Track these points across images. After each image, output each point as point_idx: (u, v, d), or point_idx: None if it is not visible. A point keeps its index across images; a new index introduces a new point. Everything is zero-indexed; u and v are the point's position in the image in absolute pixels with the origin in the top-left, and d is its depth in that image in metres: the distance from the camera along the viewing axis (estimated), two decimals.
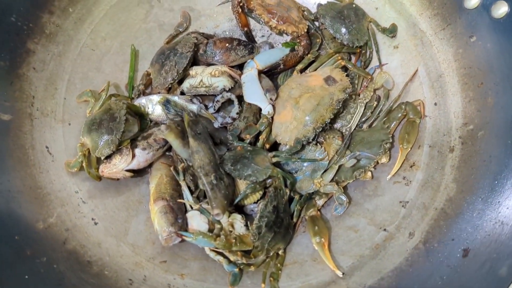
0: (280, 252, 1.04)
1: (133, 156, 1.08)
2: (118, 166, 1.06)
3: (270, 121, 1.13)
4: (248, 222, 1.06)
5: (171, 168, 1.10)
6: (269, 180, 1.09)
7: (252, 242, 1.00)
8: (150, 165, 1.15)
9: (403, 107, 1.13)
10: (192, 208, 1.07)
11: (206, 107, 1.19)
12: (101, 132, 1.07)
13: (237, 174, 1.05)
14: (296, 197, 1.10)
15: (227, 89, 1.16)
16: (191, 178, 1.09)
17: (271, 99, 1.13)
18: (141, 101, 1.18)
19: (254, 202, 1.11)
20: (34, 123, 1.06)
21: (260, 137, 1.13)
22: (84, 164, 1.06)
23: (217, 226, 1.00)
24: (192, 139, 1.05)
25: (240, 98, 1.16)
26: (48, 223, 0.96)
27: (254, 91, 1.13)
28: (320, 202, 1.11)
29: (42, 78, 1.10)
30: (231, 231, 1.03)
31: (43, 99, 1.10)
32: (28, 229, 0.93)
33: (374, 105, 1.18)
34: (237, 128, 1.15)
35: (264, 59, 1.19)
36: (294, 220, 1.09)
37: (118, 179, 1.12)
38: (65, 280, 0.88)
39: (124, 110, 1.10)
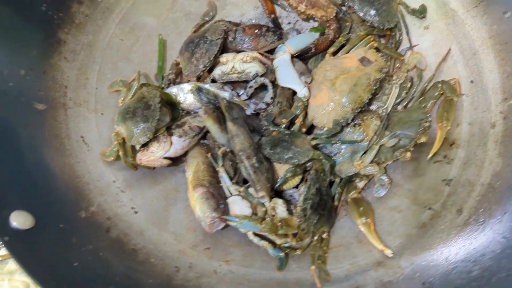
0: (324, 236, 1.02)
1: (171, 143, 1.06)
2: (156, 153, 1.04)
3: (306, 104, 1.11)
4: (291, 207, 1.04)
5: (209, 155, 1.08)
6: (308, 164, 1.07)
7: (298, 225, 0.97)
8: (185, 154, 1.13)
9: (439, 86, 1.12)
10: (232, 194, 1.04)
11: (238, 95, 1.17)
12: (136, 121, 1.05)
13: (277, 157, 1.04)
14: (337, 180, 1.08)
15: (260, 75, 1.14)
16: (230, 163, 1.07)
17: (306, 82, 1.11)
18: (172, 90, 1.17)
19: (294, 187, 1.09)
20: (68, 113, 1.04)
21: (296, 121, 1.11)
22: (120, 153, 1.04)
23: (262, 209, 0.98)
24: (231, 123, 1.03)
25: (273, 83, 1.15)
26: (89, 212, 0.94)
27: (288, 75, 1.12)
28: (360, 184, 1.09)
29: (73, 68, 1.09)
30: (273, 215, 1.01)
31: (75, 89, 1.08)
32: (71, 217, 0.90)
33: (408, 85, 1.17)
34: (271, 113, 1.13)
35: (295, 43, 1.18)
36: (336, 203, 1.07)
37: (154, 168, 1.10)
38: (113, 267, 0.86)
39: (158, 98, 1.08)
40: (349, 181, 1.10)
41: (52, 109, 1.01)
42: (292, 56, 1.17)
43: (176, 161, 1.13)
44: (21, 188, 0.86)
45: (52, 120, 1.00)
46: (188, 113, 1.18)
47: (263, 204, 0.98)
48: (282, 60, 1.13)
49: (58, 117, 1.02)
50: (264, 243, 0.99)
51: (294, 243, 0.94)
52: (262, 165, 1.01)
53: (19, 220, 0.77)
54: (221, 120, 1.08)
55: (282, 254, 0.98)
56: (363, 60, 1.12)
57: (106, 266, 0.85)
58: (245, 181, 1.07)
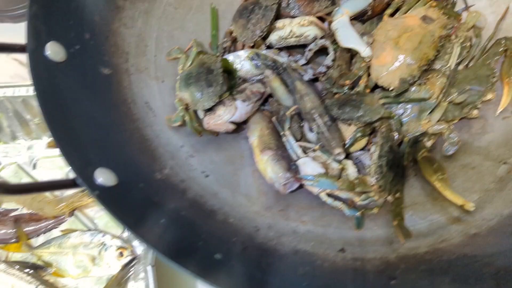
0: (398, 194, 1.00)
1: (235, 108, 1.04)
2: (223, 117, 1.02)
3: (369, 64, 1.09)
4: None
5: (273, 119, 1.06)
6: (376, 124, 1.05)
7: (375, 182, 0.95)
8: (245, 122, 1.11)
9: (503, 42, 1.10)
10: (299, 157, 1.02)
11: (295, 61, 1.15)
12: (200, 85, 1.03)
13: (347, 116, 1.01)
14: (405, 139, 1.06)
15: (319, 38, 1.13)
16: (298, 125, 1.05)
17: (368, 42, 1.10)
18: (228, 58, 1.15)
19: (361, 149, 1.07)
20: (131, 79, 1.02)
21: (360, 82, 1.09)
22: (186, 118, 1.02)
23: (337, 167, 0.96)
24: (300, 82, 1.02)
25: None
26: (164, 174, 0.92)
27: (349, 35, 1.10)
28: (429, 143, 1.07)
29: (132, 35, 1.07)
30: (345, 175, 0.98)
31: (136, 55, 1.06)
32: (149, 178, 0.89)
33: (468, 45, 1.15)
34: (331, 77, 1.11)
35: (351, 5, 1.16)
36: (405, 163, 1.05)
37: (217, 135, 1.08)
38: (196, 226, 0.84)
39: (219, 63, 1.07)
40: (416, 141, 1.08)
41: (116, 75, 0.99)
42: (350, 19, 1.15)
43: (238, 128, 1.11)
44: (100, 149, 0.84)
45: (118, 85, 0.98)
46: (245, 80, 1.15)
47: (339, 162, 0.96)
48: (342, 21, 1.12)
49: (122, 83, 1.00)
50: (338, 204, 0.97)
51: (377, 197, 0.92)
52: (333, 123, 0.99)
53: (104, 176, 0.75)
54: (285, 82, 1.07)
55: (358, 214, 0.95)
56: (425, 18, 1.10)
57: (190, 224, 0.83)
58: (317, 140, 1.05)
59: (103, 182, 0.76)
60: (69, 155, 0.74)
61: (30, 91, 1.07)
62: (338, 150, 0.94)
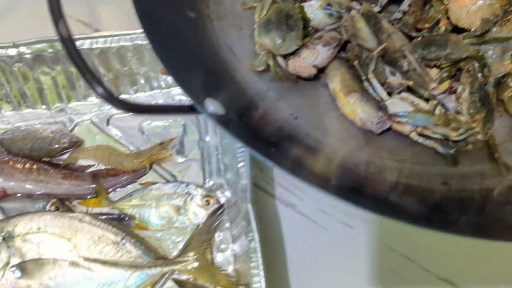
0: (490, 132, 0.98)
1: (318, 52, 1.03)
2: (308, 60, 1.01)
3: (447, 8, 1.08)
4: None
5: (355, 63, 1.05)
6: (461, 64, 1.04)
7: (470, 116, 0.94)
8: (322, 70, 1.10)
9: None
10: (384, 100, 1.01)
11: None
12: (281, 30, 1.03)
13: (434, 56, 1.00)
14: (490, 79, 1.04)
15: None
16: (382, 68, 1.03)
17: None
18: None
19: (442, 93, 1.05)
20: (213, 24, 1.02)
21: (440, 25, 1.08)
22: (270, 62, 1.01)
23: (433, 103, 0.95)
24: (385, 22, 1.00)
25: None
26: (259, 113, 0.93)
27: None
28: None
29: None
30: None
31: (215, 2, 1.06)
32: (248, 115, 0.88)
33: None
34: (407, 23, 1.10)
35: None
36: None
37: (297, 81, 1.07)
38: (300, 162, 0.83)
39: (297, 8, 1.06)
40: (499, 82, 1.07)
41: (200, 19, 0.99)
42: None
43: (315, 76, 1.09)
44: (204, 83, 0.84)
45: (203, 29, 0.98)
46: (317, 30, 1.14)
47: (434, 97, 0.94)
48: None
49: (207, 27, 0.99)
50: (430, 142, 0.95)
51: (479, 128, 0.90)
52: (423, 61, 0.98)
53: (214, 105, 0.75)
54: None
55: (452, 151, 0.94)
56: None
57: (295, 160, 0.82)
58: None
59: (214, 110, 0.75)
60: (183, 83, 0.73)
61: (109, 42, 1.06)
62: (433, 84, 0.93)
